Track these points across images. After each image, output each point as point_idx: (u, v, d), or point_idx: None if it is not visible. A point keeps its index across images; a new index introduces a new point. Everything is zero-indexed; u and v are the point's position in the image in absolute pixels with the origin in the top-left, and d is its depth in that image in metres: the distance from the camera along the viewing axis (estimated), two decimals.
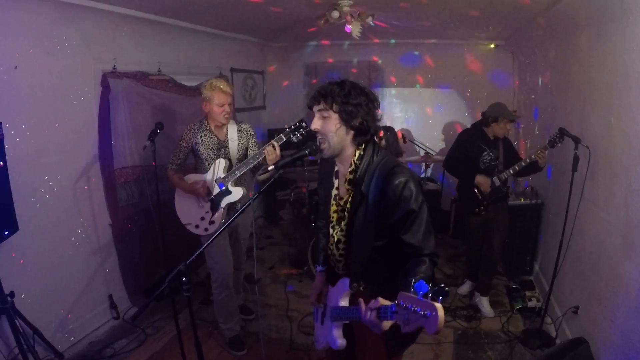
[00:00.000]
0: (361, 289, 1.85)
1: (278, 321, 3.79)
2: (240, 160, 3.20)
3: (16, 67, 2.78)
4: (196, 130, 3.14)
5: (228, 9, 3.74)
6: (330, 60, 6.39)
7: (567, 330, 3.20)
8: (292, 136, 2.92)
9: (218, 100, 3.01)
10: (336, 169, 1.96)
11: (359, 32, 3.77)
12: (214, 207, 3.13)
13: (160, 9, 3.61)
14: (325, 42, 6.17)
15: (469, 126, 4.00)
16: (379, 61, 6.22)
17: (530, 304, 3.81)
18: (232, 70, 5.44)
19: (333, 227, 1.95)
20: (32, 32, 2.88)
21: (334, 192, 1.97)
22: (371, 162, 1.80)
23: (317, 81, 6.37)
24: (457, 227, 5.46)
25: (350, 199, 1.85)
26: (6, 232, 2.61)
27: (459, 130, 4.07)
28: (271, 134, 5.97)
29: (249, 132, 3.28)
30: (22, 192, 2.84)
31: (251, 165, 3.04)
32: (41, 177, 3.06)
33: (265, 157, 2.94)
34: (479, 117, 3.83)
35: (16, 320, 2.59)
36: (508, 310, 3.89)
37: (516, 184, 5.05)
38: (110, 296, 3.70)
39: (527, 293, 3.92)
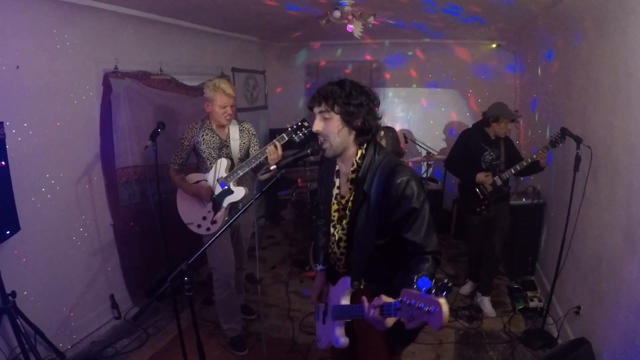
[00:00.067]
0: (362, 287, 1.86)
1: (279, 321, 3.79)
2: (242, 159, 3.20)
3: (18, 66, 2.79)
4: (198, 130, 3.14)
5: (229, 8, 3.74)
6: (332, 60, 6.39)
7: (569, 330, 3.20)
8: (294, 136, 2.92)
9: (220, 101, 3.01)
10: (337, 168, 1.96)
11: (361, 32, 3.77)
12: (216, 206, 3.13)
13: (162, 8, 3.61)
14: (327, 42, 6.16)
15: (470, 126, 4.00)
16: (380, 61, 6.22)
17: (532, 304, 3.80)
18: (234, 70, 5.44)
19: (334, 226, 1.96)
20: (34, 31, 2.88)
21: (335, 191, 1.97)
22: (373, 161, 1.80)
23: (317, 81, 6.37)
24: (458, 227, 5.46)
25: (352, 198, 1.86)
26: (7, 232, 2.61)
27: (460, 130, 4.07)
28: (273, 134, 5.98)
29: (250, 132, 3.28)
30: (24, 192, 2.85)
31: (253, 165, 3.04)
32: (43, 177, 3.07)
33: (267, 157, 2.94)
34: (480, 117, 3.82)
35: (18, 320, 2.59)
36: (510, 310, 3.88)
37: (519, 184, 5.05)
38: (112, 296, 3.70)
39: (529, 293, 3.91)
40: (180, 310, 3.60)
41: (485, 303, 3.85)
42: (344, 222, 1.90)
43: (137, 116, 3.73)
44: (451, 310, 3.76)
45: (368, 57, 6.25)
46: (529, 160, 3.43)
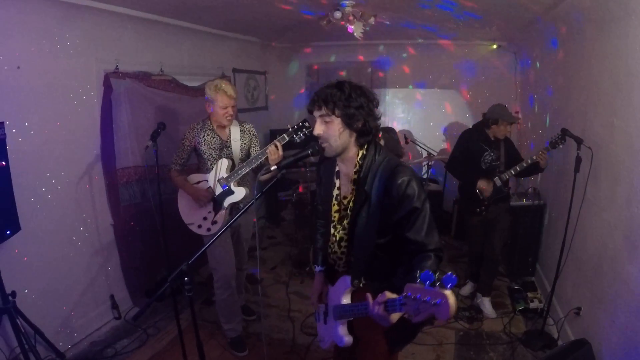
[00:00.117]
0: (361, 285, 1.87)
1: (280, 322, 3.79)
2: (242, 160, 3.20)
3: (19, 66, 2.79)
4: (199, 130, 3.15)
5: (230, 9, 3.74)
6: (332, 60, 6.39)
7: (569, 331, 3.20)
8: (294, 136, 2.92)
9: (221, 102, 3.01)
10: (337, 169, 1.97)
11: (361, 33, 3.77)
12: (217, 207, 3.13)
13: (162, 9, 3.61)
14: (327, 42, 6.16)
15: (470, 127, 4.00)
16: (381, 61, 6.22)
17: (532, 305, 3.80)
18: (235, 70, 5.44)
19: (335, 227, 1.97)
20: (34, 32, 2.88)
21: (336, 191, 1.98)
22: (373, 161, 1.82)
23: (318, 82, 6.38)
24: (459, 228, 5.46)
25: (353, 198, 1.87)
26: (8, 232, 2.61)
27: (460, 130, 4.07)
28: (273, 135, 5.97)
29: (251, 132, 3.28)
30: (24, 192, 2.85)
31: (254, 165, 3.04)
32: (43, 177, 3.07)
33: (267, 157, 2.94)
34: (480, 117, 3.83)
35: (18, 320, 2.59)
36: (510, 311, 3.88)
37: (519, 185, 5.05)
38: (112, 296, 3.70)
39: (529, 294, 3.91)
40: (180, 310, 3.60)
41: (486, 304, 3.85)
42: (345, 222, 1.91)
43: (138, 116, 3.73)
44: None
45: (368, 58, 6.25)
46: (529, 161, 3.43)
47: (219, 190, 3.12)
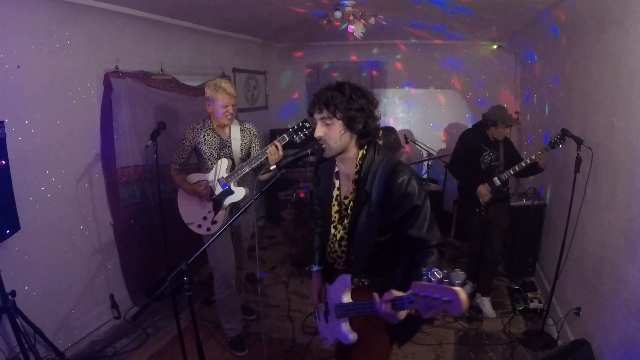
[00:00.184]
0: (360, 284, 1.89)
1: (279, 322, 3.79)
2: (243, 160, 3.19)
3: (19, 66, 2.79)
4: (199, 130, 3.14)
5: (230, 8, 3.74)
6: (333, 60, 6.39)
7: (569, 331, 3.20)
8: (295, 136, 2.91)
9: (222, 101, 3.01)
10: (336, 169, 1.98)
11: (362, 33, 3.77)
12: (217, 207, 3.13)
13: (163, 8, 3.61)
14: (328, 42, 6.16)
15: (470, 127, 4.00)
16: (381, 62, 6.22)
17: (532, 305, 3.80)
18: (235, 70, 5.44)
19: (335, 226, 1.97)
20: (35, 31, 2.88)
21: (335, 192, 1.98)
22: (373, 161, 1.83)
23: (318, 82, 6.38)
24: (459, 228, 5.45)
25: (353, 198, 1.88)
26: (8, 231, 2.61)
27: (460, 131, 4.07)
28: (273, 135, 5.97)
29: (251, 132, 3.28)
30: (24, 191, 2.85)
31: (254, 165, 3.04)
32: (43, 176, 3.07)
33: (267, 157, 2.94)
34: (480, 117, 3.83)
35: (17, 319, 2.59)
36: (510, 311, 3.88)
37: (519, 185, 5.05)
38: (112, 295, 3.70)
39: (529, 294, 3.91)
40: (179, 310, 3.60)
41: (485, 304, 3.85)
42: (346, 221, 1.92)
43: (138, 116, 3.73)
44: None
45: (370, 58, 6.25)
46: (528, 161, 3.43)
47: (218, 190, 3.11)
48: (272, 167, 2.04)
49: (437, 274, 1.34)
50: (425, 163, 5.31)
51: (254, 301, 3.99)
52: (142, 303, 3.79)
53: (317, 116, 1.81)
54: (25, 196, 2.86)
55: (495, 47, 5.60)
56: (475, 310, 3.83)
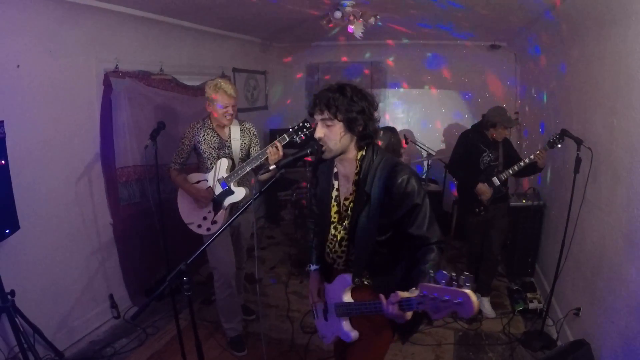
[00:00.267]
0: (360, 283, 1.93)
1: (279, 322, 3.79)
2: (242, 160, 3.19)
3: (18, 65, 2.78)
4: (199, 129, 3.14)
5: (230, 8, 3.74)
6: (332, 60, 6.39)
7: (569, 332, 3.20)
8: (295, 137, 2.91)
9: (222, 102, 3.00)
10: (335, 170, 1.99)
11: (362, 33, 3.77)
12: (217, 207, 3.13)
13: (162, 8, 3.61)
14: (328, 42, 6.16)
15: (469, 127, 4.00)
16: (381, 62, 6.22)
17: (531, 305, 3.80)
18: (235, 70, 5.44)
19: (335, 227, 1.98)
20: (34, 30, 2.88)
21: (334, 193, 2.00)
22: (372, 162, 1.85)
23: (318, 82, 6.38)
24: (458, 228, 5.45)
25: (353, 199, 1.89)
26: (7, 231, 2.61)
27: (460, 131, 4.07)
28: (273, 134, 5.98)
29: (251, 132, 3.28)
30: (24, 191, 2.84)
31: (254, 166, 3.04)
32: (42, 176, 3.06)
33: (267, 157, 2.94)
34: (479, 118, 3.83)
35: (16, 319, 2.59)
36: (509, 311, 3.88)
37: (519, 185, 5.05)
38: (111, 295, 3.70)
39: (529, 294, 3.91)
40: (179, 310, 3.59)
41: (485, 304, 3.84)
42: (346, 222, 1.93)
43: (138, 116, 3.73)
44: None
45: (369, 58, 6.25)
46: (527, 161, 3.43)
47: (218, 190, 3.11)
48: (271, 167, 2.04)
49: (446, 276, 1.36)
50: (425, 163, 5.30)
51: (253, 301, 3.99)
52: (141, 303, 3.79)
53: (317, 117, 1.81)
54: (24, 196, 2.85)
55: (494, 47, 5.58)
56: None
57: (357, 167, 1.87)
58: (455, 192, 5.20)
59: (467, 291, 1.31)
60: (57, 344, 3.04)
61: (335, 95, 1.76)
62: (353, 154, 1.87)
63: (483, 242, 3.84)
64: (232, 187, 3.10)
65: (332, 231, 2.00)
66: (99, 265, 3.60)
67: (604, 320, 2.65)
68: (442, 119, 6.13)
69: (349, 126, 1.78)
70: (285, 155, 2.79)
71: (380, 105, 5.82)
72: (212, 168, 3.14)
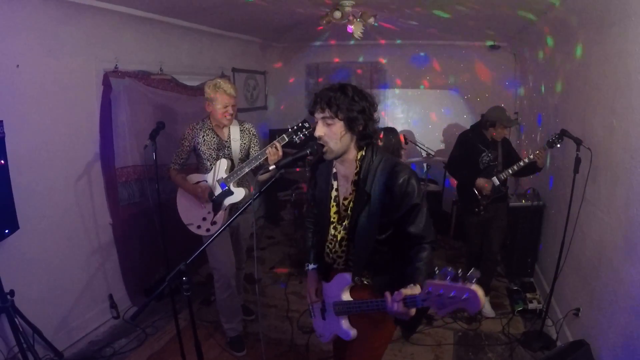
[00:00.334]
0: (360, 282, 1.95)
1: (278, 322, 3.79)
2: (242, 160, 3.19)
3: (18, 65, 2.78)
4: (198, 130, 3.14)
5: (230, 8, 3.74)
6: (333, 60, 6.39)
7: (568, 332, 3.19)
8: (294, 137, 2.91)
9: (221, 102, 3.00)
10: (334, 170, 2.00)
11: (361, 33, 3.77)
12: (216, 207, 3.12)
13: (162, 8, 3.61)
14: (327, 42, 6.16)
15: (469, 127, 4.00)
16: (381, 62, 6.22)
17: (531, 305, 3.80)
18: (234, 70, 5.44)
19: (335, 227, 1.99)
20: (34, 30, 2.88)
21: (334, 193, 2.00)
22: (372, 162, 1.86)
23: (318, 82, 6.38)
24: (458, 229, 5.45)
25: (353, 199, 1.90)
26: (7, 231, 2.61)
27: (459, 131, 4.08)
28: (273, 134, 5.97)
29: (251, 132, 3.27)
30: (23, 191, 2.84)
31: (253, 166, 3.03)
32: (42, 176, 3.06)
33: (267, 158, 2.93)
34: (479, 118, 3.83)
35: (16, 319, 2.59)
36: (509, 312, 3.88)
37: (518, 185, 5.05)
38: (111, 295, 3.70)
39: (528, 295, 3.91)
40: (178, 310, 3.59)
41: (484, 304, 3.84)
42: (346, 222, 1.94)
43: (137, 116, 3.73)
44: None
45: (369, 58, 6.25)
46: (526, 161, 3.43)
47: (218, 190, 3.11)
48: (271, 167, 2.05)
49: (452, 273, 1.39)
50: (425, 165, 5.31)
51: (252, 301, 3.99)
52: (141, 303, 3.79)
53: (318, 115, 1.82)
54: (24, 196, 2.85)
55: (494, 47, 5.58)
56: None
57: (356, 167, 1.88)
58: (452, 182, 5.18)
59: (474, 287, 1.33)
60: (56, 344, 3.04)
61: (337, 94, 1.77)
62: (353, 154, 1.88)
63: (482, 242, 3.85)
64: (232, 188, 3.09)
65: (332, 231, 2.00)
66: (98, 266, 3.60)
67: (603, 320, 2.65)
68: (441, 119, 6.13)
69: (350, 125, 1.79)
70: (284, 155, 2.79)
71: (380, 105, 5.83)
72: (211, 169, 3.13)
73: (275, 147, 2.88)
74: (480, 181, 3.60)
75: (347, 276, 1.93)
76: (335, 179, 2.00)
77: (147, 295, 3.87)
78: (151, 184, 3.62)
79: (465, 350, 3.37)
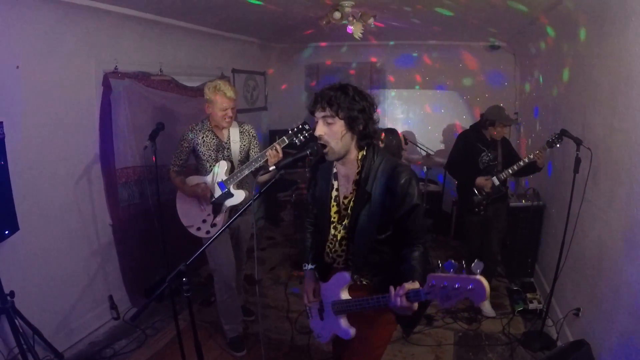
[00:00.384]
0: (359, 282, 1.96)
1: (278, 322, 3.79)
2: (242, 162, 3.18)
3: (18, 66, 2.78)
4: (197, 131, 3.13)
5: (229, 9, 3.74)
6: (332, 61, 6.39)
7: (569, 332, 3.19)
8: (294, 139, 2.91)
9: (221, 104, 2.99)
10: (335, 170, 2.00)
11: (361, 33, 3.77)
12: (216, 209, 3.12)
13: (162, 9, 3.61)
14: (327, 43, 6.16)
15: (468, 127, 4.01)
16: (380, 62, 6.22)
17: (531, 306, 3.80)
18: (234, 71, 5.44)
19: (335, 227, 2.00)
20: (34, 31, 2.88)
21: (334, 193, 2.01)
22: (372, 162, 1.87)
23: (318, 83, 6.37)
24: (458, 229, 5.45)
25: (353, 198, 1.91)
26: (6, 232, 2.60)
27: (459, 132, 4.08)
28: (273, 135, 5.97)
29: (250, 134, 3.27)
30: (23, 192, 2.84)
31: (253, 168, 3.03)
32: (42, 177, 3.06)
33: (267, 160, 2.93)
34: (479, 118, 3.84)
35: (16, 320, 2.59)
36: (509, 312, 3.88)
37: (518, 186, 5.05)
38: (111, 296, 3.69)
39: (528, 295, 3.91)
40: (178, 311, 3.59)
41: (485, 304, 3.83)
42: (346, 221, 1.95)
43: (137, 117, 3.73)
44: (450, 311, 3.79)
45: (369, 59, 6.24)
46: (526, 161, 3.44)
47: (217, 192, 3.10)
48: (271, 168, 2.05)
49: (455, 265, 1.41)
50: (425, 167, 5.31)
51: (252, 302, 3.99)
52: (140, 304, 3.78)
53: (318, 115, 1.83)
54: (24, 197, 2.85)
55: (494, 47, 5.57)
56: (474, 311, 3.83)
57: (358, 166, 1.89)
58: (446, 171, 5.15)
59: (478, 277, 1.34)
60: (56, 345, 3.04)
61: (337, 94, 1.78)
62: (354, 154, 1.89)
63: (482, 242, 3.85)
64: (232, 190, 3.09)
65: (332, 231, 2.01)
66: (98, 266, 3.59)
67: (604, 320, 2.65)
68: (441, 119, 6.13)
69: (350, 125, 1.80)
70: (285, 156, 2.79)
71: (380, 105, 5.82)
72: (211, 170, 3.13)
73: (276, 149, 2.88)
74: (481, 179, 3.60)
75: (346, 274, 1.93)
76: (336, 179, 2.00)
77: (147, 296, 3.86)
78: (151, 185, 3.62)
79: (466, 350, 3.37)
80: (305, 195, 5.03)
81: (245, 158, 3.23)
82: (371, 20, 3.72)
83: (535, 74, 4.77)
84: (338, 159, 1.88)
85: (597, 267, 2.81)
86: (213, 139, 3.13)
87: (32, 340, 2.74)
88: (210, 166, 3.13)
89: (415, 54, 6.03)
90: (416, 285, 1.60)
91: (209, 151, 3.13)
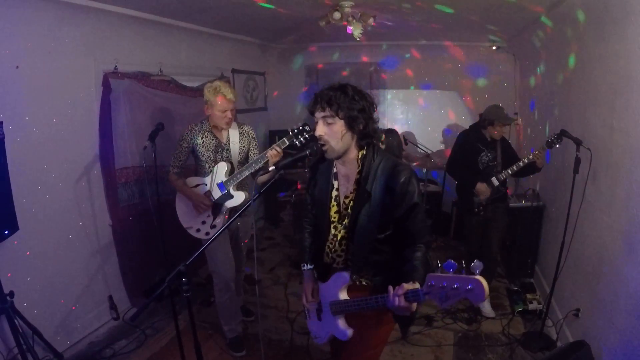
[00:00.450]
0: (359, 282, 1.96)
1: (278, 323, 3.78)
2: (241, 163, 3.18)
3: (17, 66, 2.78)
4: (197, 132, 3.12)
5: (229, 9, 3.74)
6: (332, 61, 6.39)
7: (568, 333, 3.19)
8: (295, 140, 2.90)
9: (220, 106, 2.98)
10: (335, 170, 2.00)
11: (360, 34, 3.77)
12: (216, 211, 3.12)
13: (162, 9, 3.61)
14: (327, 43, 6.16)
15: (468, 128, 4.01)
16: (380, 63, 6.22)
17: (531, 306, 3.79)
18: (234, 71, 5.44)
19: (335, 226, 2.00)
20: (33, 31, 2.88)
21: (334, 192, 2.01)
22: (372, 161, 1.87)
23: (318, 83, 6.37)
24: (458, 229, 5.45)
25: (353, 198, 1.91)
26: (6, 232, 2.61)
27: (458, 132, 4.08)
28: (272, 135, 5.97)
29: (250, 135, 3.26)
30: (23, 192, 2.84)
31: (253, 170, 3.02)
32: (42, 177, 3.06)
33: (267, 161, 2.92)
34: (478, 118, 3.84)
35: (16, 320, 2.59)
36: (509, 312, 3.88)
37: (518, 186, 5.05)
38: (110, 297, 3.69)
39: (528, 295, 3.91)
40: (178, 311, 3.57)
41: (484, 304, 3.84)
42: (346, 221, 1.95)
43: (137, 117, 3.73)
44: (450, 312, 3.79)
45: (367, 59, 6.25)
46: (526, 161, 3.44)
47: (217, 193, 3.10)
48: (270, 168, 2.05)
49: (453, 265, 1.41)
50: (425, 169, 5.31)
51: (252, 302, 3.99)
52: (140, 304, 3.78)
53: (318, 115, 1.83)
54: (23, 197, 2.85)
55: (494, 47, 5.57)
56: (474, 312, 3.83)
57: (358, 166, 1.89)
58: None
59: (477, 277, 1.34)
60: (56, 345, 3.04)
61: (337, 94, 1.78)
62: (354, 153, 1.89)
63: (482, 243, 3.85)
64: (232, 191, 3.09)
65: (332, 231, 2.01)
66: (98, 267, 3.59)
67: (603, 320, 2.65)
68: (441, 120, 6.13)
69: (350, 124, 1.80)
70: (285, 156, 2.79)
71: (380, 106, 5.83)
72: (210, 172, 3.12)
73: (276, 151, 2.87)
74: (481, 187, 3.61)
75: (345, 275, 1.93)
76: (336, 178, 2.00)
77: (146, 296, 3.87)
78: (151, 185, 3.62)
79: (466, 351, 3.36)
80: (304, 195, 5.05)
81: (245, 159, 3.22)
82: (371, 21, 3.72)
83: (534, 74, 4.77)
84: (337, 157, 1.89)
85: (597, 268, 2.81)
86: (212, 140, 3.13)
87: (31, 340, 2.74)
88: (209, 167, 3.13)
89: (416, 55, 6.03)
90: (416, 285, 1.59)
91: (208, 152, 3.12)
